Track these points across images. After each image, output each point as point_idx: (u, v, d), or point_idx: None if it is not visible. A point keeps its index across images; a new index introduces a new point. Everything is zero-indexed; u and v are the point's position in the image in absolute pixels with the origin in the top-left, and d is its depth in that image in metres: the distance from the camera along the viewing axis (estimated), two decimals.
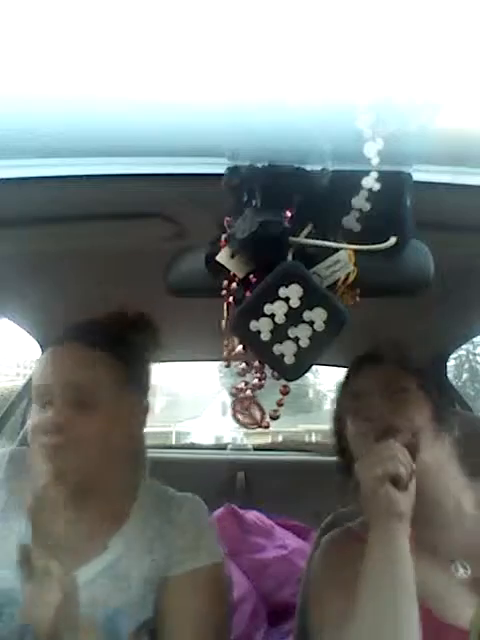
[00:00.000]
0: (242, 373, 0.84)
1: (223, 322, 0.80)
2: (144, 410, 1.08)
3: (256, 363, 0.82)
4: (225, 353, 0.83)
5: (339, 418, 1.14)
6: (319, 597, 1.02)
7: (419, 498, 0.94)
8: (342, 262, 0.77)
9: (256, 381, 0.83)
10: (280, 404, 0.81)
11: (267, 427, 0.83)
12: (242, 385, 0.84)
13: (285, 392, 0.81)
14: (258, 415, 0.83)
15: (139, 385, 1.08)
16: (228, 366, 0.84)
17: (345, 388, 1.16)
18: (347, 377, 1.17)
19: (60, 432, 0.95)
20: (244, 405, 0.83)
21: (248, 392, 0.83)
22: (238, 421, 0.84)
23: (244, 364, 0.83)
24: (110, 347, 1.03)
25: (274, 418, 0.82)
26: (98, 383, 0.99)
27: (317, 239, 0.77)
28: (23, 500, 1.01)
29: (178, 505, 1.06)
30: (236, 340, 0.82)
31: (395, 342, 1.16)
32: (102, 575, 0.97)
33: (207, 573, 1.01)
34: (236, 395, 0.83)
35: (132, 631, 0.96)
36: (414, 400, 1.05)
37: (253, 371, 0.83)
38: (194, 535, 1.03)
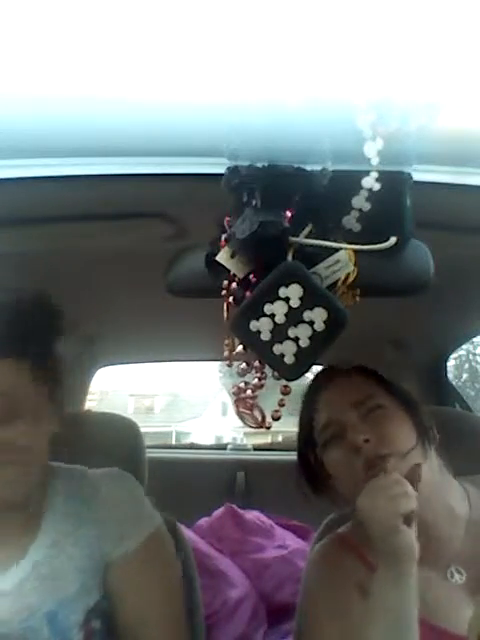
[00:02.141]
0: (242, 373, 0.84)
1: (223, 322, 0.80)
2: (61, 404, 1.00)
3: (256, 363, 0.82)
4: (225, 353, 0.83)
5: (308, 439, 1.05)
6: (316, 619, 1.00)
7: (418, 515, 0.91)
8: (342, 262, 0.77)
9: (256, 381, 0.83)
10: (281, 404, 0.82)
11: (269, 428, 0.83)
12: (242, 385, 0.84)
13: (286, 392, 0.81)
14: (259, 416, 0.83)
15: (55, 383, 0.99)
16: (229, 366, 0.84)
17: (312, 405, 1.05)
18: (313, 393, 1.07)
19: None
20: (246, 405, 0.83)
21: (249, 392, 0.83)
22: (242, 419, 0.84)
23: (244, 364, 0.84)
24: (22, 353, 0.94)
25: (276, 419, 0.83)
26: (18, 393, 0.93)
27: (317, 239, 0.77)
28: None
29: (95, 485, 1.02)
30: (236, 340, 0.82)
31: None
32: (27, 580, 0.94)
33: (149, 542, 0.99)
34: (237, 395, 0.83)
35: (81, 621, 0.95)
36: (395, 419, 0.99)
37: (253, 371, 0.83)
38: (124, 509, 1.00)
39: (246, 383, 0.84)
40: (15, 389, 0.92)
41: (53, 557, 0.96)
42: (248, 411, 0.83)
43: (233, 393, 0.84)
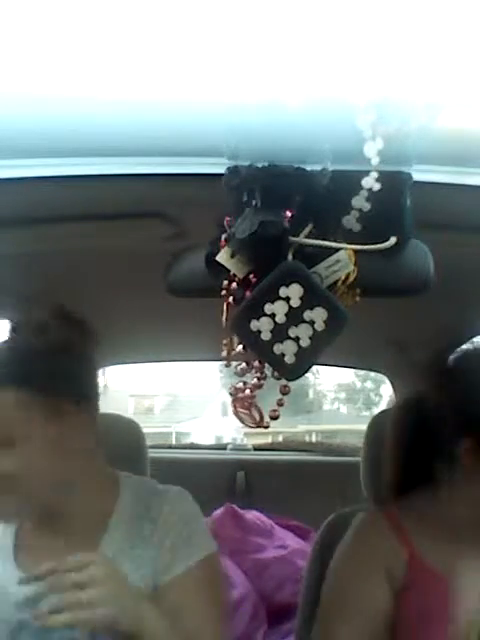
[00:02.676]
0: (242, 373, 0.84)
1: (223, 322, 0.80)
2: (84, 422, 0.99)
3: (256, 363, 0.82)
4: (225, 353, 0.83)
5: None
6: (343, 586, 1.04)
7: None
8: (342, 262, 0.77)
9: (256, 381, 0.83)
10: (280, 404, 0.82)
11: (267, 427, 0.83)
12: (241, 385, 0.84)
13: (285, 392, 0.81)
14: (257, 416, 0.83)
15: (68, 402, 0.98)
16: (227, 366, 0.84)
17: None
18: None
19: None
20: (243, 404, 0.83)
21: (248, 392, 0.83)
22: (240, 419, 0.84)
23: (244, 364, 0.83)
24: (18, 381, 0.95)
25: (274, 418, 0.82)
26: (12, 422, 0.93)
27: (317, 239, 0.77)
28: None
29: (160, 502, 1.03)
30: (236, 340, 0.82)
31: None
32: None
33: (198, 568, 0.98)
34: (235, 395, 0.83)
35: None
36: None
37: (253, 371, 0.83)
38: (182, 532, 1.00)
39: (245, 383, 0.84)
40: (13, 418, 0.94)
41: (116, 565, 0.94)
42: (246, 411, 0.83)
43: (230, 393, 0.84)
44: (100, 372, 1.07)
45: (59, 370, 0.97)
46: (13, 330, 1.01)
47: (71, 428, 0.97)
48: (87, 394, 1.02)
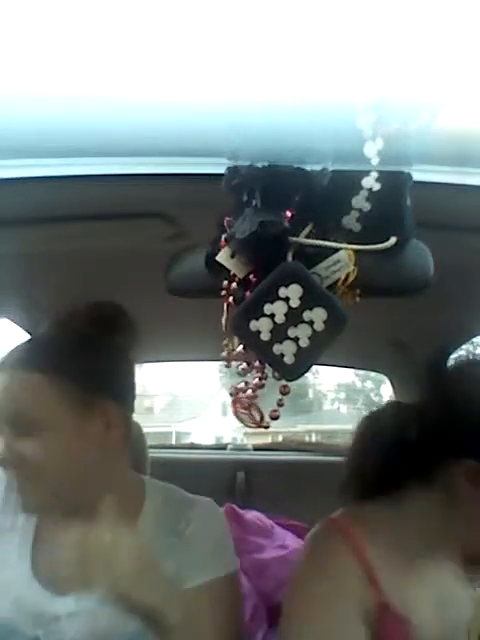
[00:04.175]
0: (242, 373, 0.84)
1: (223, 322, 0.80)
2: (117, 419, 0.98)
3: (257, 363, 0.82)
4: (225, 353, 0.83)
5: None
6: None
7: None
8: (342, 262, 0.77)
9: (256, 381, 0.83)
10: (280, 404, 0.81)
11: (267, 427, 0.83)
12: (242, 385, 0.84)
13: (285, 392, 0.81)
14: (257, 416, 0.83)
15: (102, 397, 0.97)
16: (228, 366, 0.84)
17: None
18: None
19: (14, 465, 0.92)
20: (244, 405, 0.83)
21: (249, 392, 0.83)
22: (240, 420, 0.83)
23: (245, 364, 0.83)
24: (53, 367, 0.95)
25: (274, 418, 0.82)
26: (43, 408, 0.93)
27: (317, 239, 0.77)
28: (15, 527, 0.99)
29: (188, 511, 1.00)
30: (236, 340, 0.82)
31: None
32: (107, 602, 0.89)
33: (219, 583, 0.97)
34: (236, 395, 0.83)
35: None
36: None
37: (254, 371, 0.83)
38: (207, 544, 0.98)
39: (246, 383, 0.84)
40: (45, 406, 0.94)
41: None
42: (246, 411, 0.83)
43: (231, 393, 0.84)
44: (137, 372, 1.07)
45: (94, 363, 0.97)
46: (56, 321, 1.01)
47: (102, 424, 0.96)
48: (121, 392, 1.01)
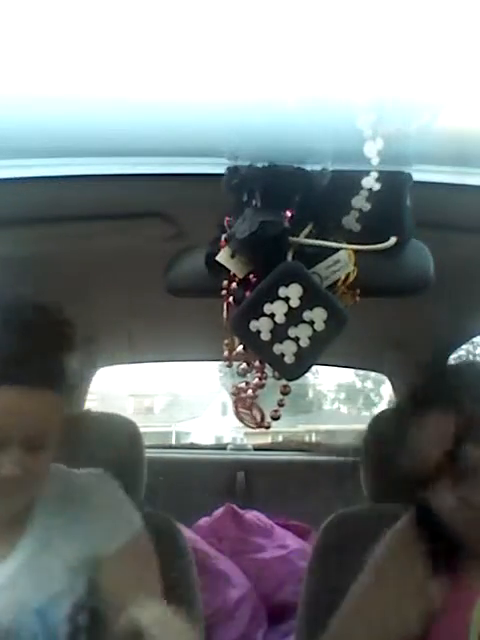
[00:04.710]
0: (243, 373, 0.84)
1: (223, 322, 0.80)
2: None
3: (257, 363, 0.82)
4: (225, 353, 0.83)
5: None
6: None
7: None
8: (342, 262, 0.77)
9: (257, 380, 0.83)
10: (281, 404, 0.82)
11: (268, 428, 0.83)
12: (243, 385, 0.84)
13: (286, 392, 0.81)
14: (258, 416, 0.83)
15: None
16: (229, 366, 0.84)
17: None
18: None
19: None
20: (245, 404, 0.83)
21: (249, 392, 0.83)
22: (241, 419, 0.84)
23: (245, 364, 0.83)
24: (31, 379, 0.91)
25: (275, 418, 0.82)
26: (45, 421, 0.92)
27: (317, 239, 0.77)
28: None
29: (80, 484, 1.04)
30: (236, 340, 0.82)
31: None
32: (17, 576, 0.95)
33: (131, 544, 1.00)
34: (237, 394, 0.83)
35: (68, 614, 0.97)
36: None
37: (254, 371, 0.83)
38: (108, 510, 1.02)
39: (246, 383, 0.84)
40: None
41: (42, 553, 0.97)
42: (247, 411, 0.83)
43: (232, 393, 0.84)
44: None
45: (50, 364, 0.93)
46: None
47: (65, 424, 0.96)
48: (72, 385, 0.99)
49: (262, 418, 0.83)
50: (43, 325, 0.96)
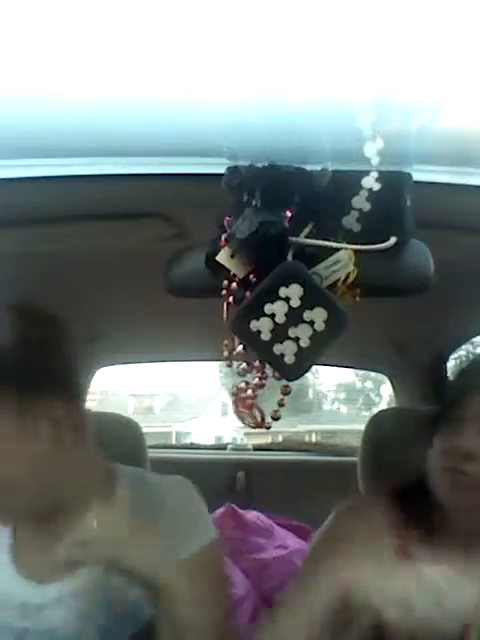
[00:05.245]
0: (243, 373, 0.84)
1: (223, 322, 0.80)
2: (63, 415, 0.95)
3: (257, 363, 0.82)
4: (225, 353, 0.83)
5: None
6: None
7: None
8: (342, 262, 0.77)
9: (257, 381, 0.83)
10: (281, 404, 0.81)
11: (268, 428, 0.83)
12: (243, 385, 0.84)
13: (286, 392, 0.81)
14: (258, 416, 0.83)
15: (42, 396, 0.94)
16: (229, 366, 0.84)
17: None
18: None
19: None
20: (246, 404, 0.83)
21: (249, 392, 0.83)
22: (241, 419, 0.83)
23: (245, 364, 0.83)
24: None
25: (275, 419, 0.82)
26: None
27: (317, 239, 0.77)
28: None
29: (159, 491, 1.02)
30: (236, 340, 0.82)
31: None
32: (83, 589, 0.92)
33: (200, 555, 0.98)
34: (237, 394, 0.83)
35: (129, 635, 0.93)
36: None
37: (254, 371, 0.83)
38: (184, 519, 1.00)
39: (246, 383, 0.84)
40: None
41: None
42: (247, 411, 0.83)
43: (232, 393, 0.84)
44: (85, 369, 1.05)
45: (26, 365, 0.93)
46: None
47: (49, 423, 0.94)
48: (63, 387, 0.98)
49: (262, 418, 0.83)
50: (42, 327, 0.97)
